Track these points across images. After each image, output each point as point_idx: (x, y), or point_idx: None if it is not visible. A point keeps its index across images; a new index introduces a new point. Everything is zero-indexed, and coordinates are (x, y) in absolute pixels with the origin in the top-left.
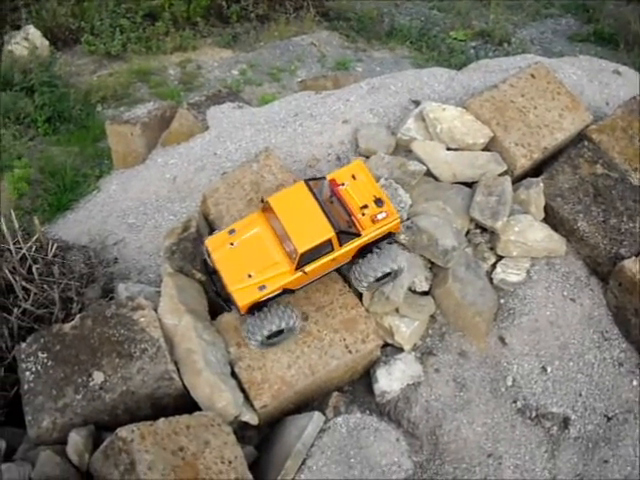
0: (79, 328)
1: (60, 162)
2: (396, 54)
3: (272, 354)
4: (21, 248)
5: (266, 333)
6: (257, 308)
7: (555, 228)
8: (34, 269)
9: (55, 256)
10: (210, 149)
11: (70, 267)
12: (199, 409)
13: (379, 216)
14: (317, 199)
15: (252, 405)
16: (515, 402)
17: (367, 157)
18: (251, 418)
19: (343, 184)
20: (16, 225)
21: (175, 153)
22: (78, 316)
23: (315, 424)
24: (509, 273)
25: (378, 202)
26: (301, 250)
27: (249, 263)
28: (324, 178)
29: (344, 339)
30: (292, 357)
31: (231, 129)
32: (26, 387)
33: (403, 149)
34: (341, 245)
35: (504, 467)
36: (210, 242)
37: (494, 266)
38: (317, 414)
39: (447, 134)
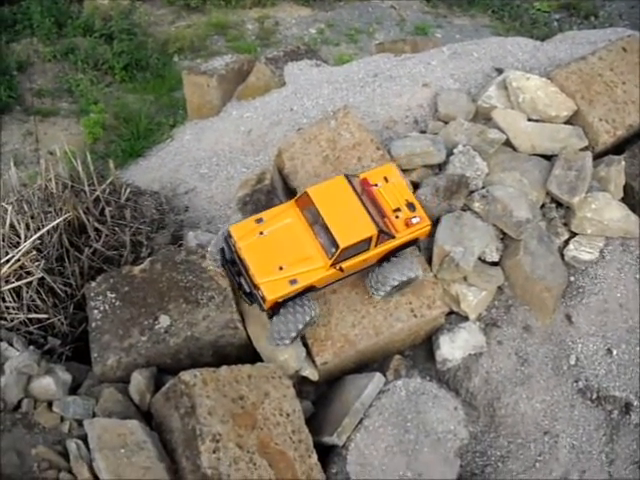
0: (148, 271)
1: (135, 109)
2: (477, 22)
3: (337, 312)
4: (95, 190)
5: (294, 335)
6: (278, 307)
7: (633, 209)
8: (107, 211)
9: (128, 200)
10: (286, 104)
11: (142, 212)
12: (260, 360)
13: (414, 220)
14: (358, 194)
15: (313, 361)
16: (577, 382)
17: (445, 122)
18: (311, 373)
19: (376, 185)
20: (91, 168)
21: (250, 107)
22: (148, 260)
23: (375, 385)
24: (582, 251)
25: (410, 206)
26: (343, 245)
27: (280, 255)
28: (357, 176)
29: (410, 303)
30: (357, 317)
31: (308, 86)
32: (93, 325)
33: (482, 117)
34: (377, 245)
35: (560, 446)
36: (235, 229)
37: (567, 242)
38: (378, 375)
39: (529, 104)
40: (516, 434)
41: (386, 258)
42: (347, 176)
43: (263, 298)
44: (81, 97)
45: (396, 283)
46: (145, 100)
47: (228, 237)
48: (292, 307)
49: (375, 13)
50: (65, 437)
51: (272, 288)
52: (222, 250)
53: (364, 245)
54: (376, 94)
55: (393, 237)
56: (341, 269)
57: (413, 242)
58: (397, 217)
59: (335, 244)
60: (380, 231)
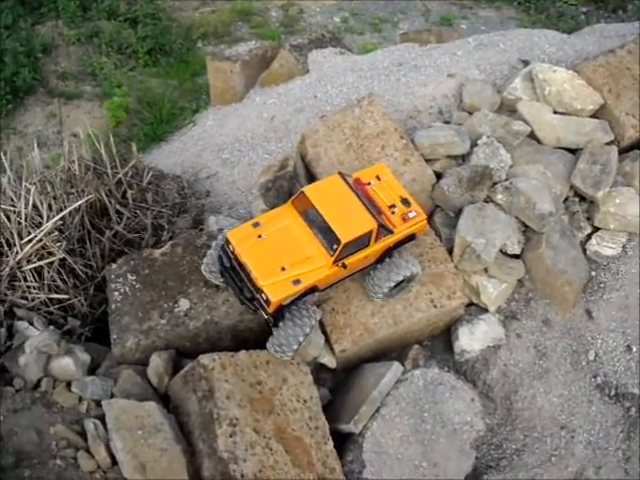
0: (169, 255)
1: (158, 94)
2: (502, 14)
3: (357, 300)
4: (118, 173)
5: (295, 347)
6: (281, 311)
7: None
8: (129, 194)
9: (150, 183)
10: (310, 92)
11: (163, 195)
12: None
13: (410, 214)
14: (354, 191)
15: (332, 348)
16: (595, 377)
17: (470, 113)
18: (329, 361)
19: (369, 183)
20: (114, 150)
21: (274, 93)
22: (169, 243)
23: (393, 374)
24: (604, 246)
25: (405, 202)
26: (345, 240)
27: (281, 256)
28: (350, 176)
29: (430, 293)
30: (377, 305)
31: (332, 74)
32: (113, 307)
33: (507, 108)
34: (376, 240)
35: (576, 441)
36: (232, 234)
37: (589, 237)
38: (396, 364)
39: (555, 97)
40: (532, 428)
41: (384, 257)
42: (342, 174)
43: (267, 301)
44: (104, 80)
45: (393, 284)
46: (168, 85)
47: (226, 244)
48: (293, 317)
49: (400, 3)
50: (83, 417)
51: (276, 289)
52: (220, 258)
53: (364, 240)
54: (401, 83)
55: (392, 232)
56: (344, 265)
57: (411, 238)
58: (393, 213)
59: (336, 240)
60: (380, 225)
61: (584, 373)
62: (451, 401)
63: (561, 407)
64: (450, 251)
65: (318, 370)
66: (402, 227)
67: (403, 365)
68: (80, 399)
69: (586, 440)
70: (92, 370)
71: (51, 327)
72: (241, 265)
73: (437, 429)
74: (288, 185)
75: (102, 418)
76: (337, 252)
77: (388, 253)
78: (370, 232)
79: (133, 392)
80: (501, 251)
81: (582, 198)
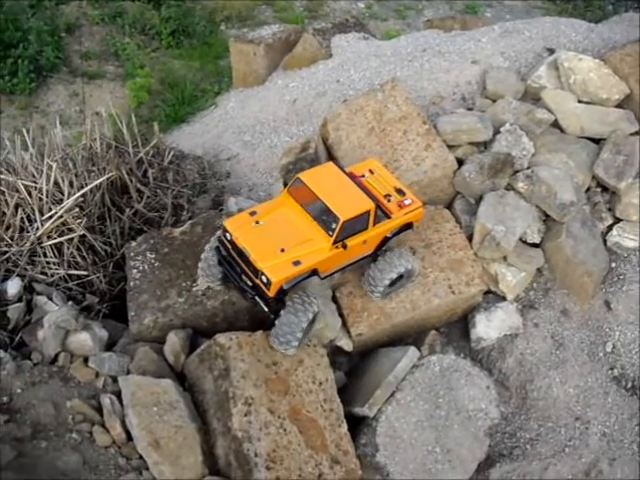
0: (188, 234)
1: (180, 75)
2: (528, 3)
3: None
4: (139, 152)
5: (299, 335)
6: (280, 304)
7: None
8: (149, 173)
9: (170, 163)
10: (333, 76)
11: (184, 175)
12: None
13: (406, 202)
14: (349, 176)
15: (348, 332)
16: (612, 369)
17: (493, 100)
18: (346, 344)
19: (363, 176)
20: (136, 130)
21: (296, 77)
22: (189, 222)
23: (409, 359)
24: (625, 237)
25: (400, 192)
26: (344, 218)
27: (280, 239)
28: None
29: (448, 279)
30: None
31: (355, 58)
32: (132, 284)
33: (531, 96)
34: (375, 224)
35: (591, 433)
36: (229, 223)
37: (610, 228)
38: (412, 349)
39: (580, 86)
40: (547, 418)
41: (382, 246)
42: (335, 162)
43: (268, 282)
44: (127, 61)
45: (388, 281)
46: (191, 67)
47: (223, 234)
48: (294, 303)
49: None
50: (99, 392)
51: (276, 270)
52: (217, 249)
53: (363, 222)
54: (424, 69)
55: (389, 217)
56: (344, 246)
57: (408, 226)
58: (389, 201)
59: (335, 219)
60: (377, 206)
61: (601, 364)
62: (466, 388)
63: (577, 398)
64: (470, 238)
65: (334, 353)
66: (399, 213)
67: (420, 350)
68: (97, 374)
69: (601, 432)
70: (109, 347)
71: (70, 303)
72: (240, 252)
73: (452, 415)
74: (309, 167)
75: (118, 394)
76: (337, 231)
77: (385, 245)
78: (368, 212)
79: (149, 369)
80: (521, 240)
81: (604, 188)
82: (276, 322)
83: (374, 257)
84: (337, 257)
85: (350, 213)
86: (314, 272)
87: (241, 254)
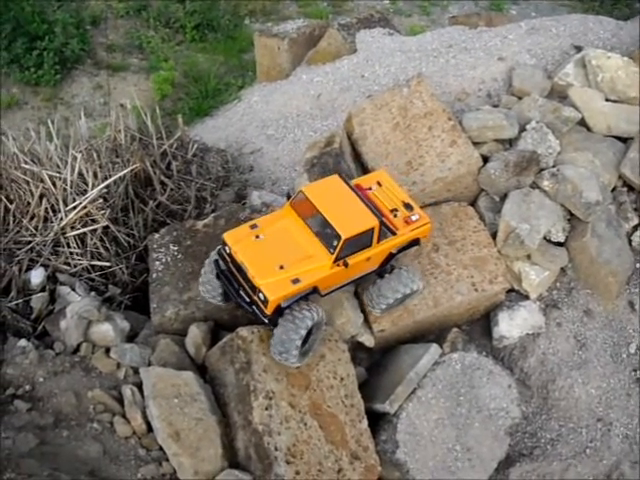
0: (211, 227)
1: (204, 69)
2: (554, 1)
3: None
4: (163, 144)
5: (298, 343)
6: (279, 316)
7: None
8: (173, 165)
9: (194, 156)
10: (357, 71)
11: (207, 168)
12: None
13: (413, 217)
14: (354, 190)
15: (370, 327)
16: (635, 371)
17: (519, 98)
18: (367, 340)
19: (370, 188)
20: (160, 122)
21: (321, 71)
22: (212, 215)
23: (431, 356)
24: None
25: (407, 206)
26: (345, 235)
27: (279, 255)
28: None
29: (472, 276)
30: None
31: (380, 54)
32: (154, 276)
33: (558, 94)
34: (379, 241)
35: (612, 434)
36: (229, 236)
37: (635, 228)
38: (434, 346)
39: (608, 84)
40: (568, 418)
41: (386, 263)
42: (341, 175)
43: (265, 300)
44: (151, 54)
45: (398, 297)
46: (215, 60)
47: (222, 247)
48: (292, 311)
49: None
50: (120, 383)
51: (274, 288)
52: (216, 262)
53: (366, 239)
54: (449, 65)
55: (394, 233)
56: (345, 264)
57: (414, 243)
58: (395, 216)
59: (337, 236)
60: (381, 223)
61: (624, 366)
62: (488, 386)
63: (599, 399)
64: (494, 236)
65: (355, 349)
66: (405, 230)
67: (441, 348)
68: (118, 365)
69: (623, 434)
70: (131, 338)
71: (92, 293)
72: (238, 267)
73: (472, 413)
74: (333, 162)
75: (139, 385)
76: (337, 249)
77: (391, 260)
78: (372, 229)
79: (170, 361)
80: (545, 238)
81: (631, 188)
82: (274, 332)
83: (379, 273)
84: (338, 275)
85: (352, 230)
86: (314, 290)
87: (240, 269)
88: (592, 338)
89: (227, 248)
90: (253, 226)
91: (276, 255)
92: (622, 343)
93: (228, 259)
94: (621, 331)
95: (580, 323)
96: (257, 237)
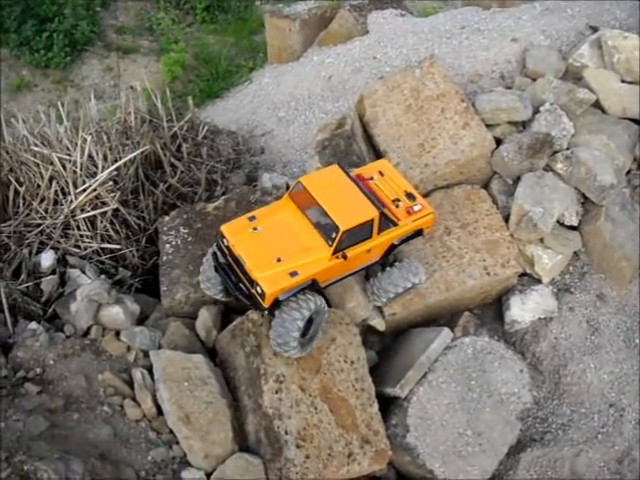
0: (222, 209)
1: (215, 51)
2: None
3: None
4: (173, 126)
5: (296, 334)
6: (278, 306)
7: None
8: (183, 148)
9: (205, 138)
10: (369, 52)
11: (218, 150)
12: (329, 306)
13: (415, 208)
14: (354, 181)
15: (381, 311)
16: None
17: (533, 79)
18: (379, 323)
19: (372, 178)
20: (170, 104)
21: (332, 53)
22: (222, 198)
23: (442, 340)
24: None
25: (410, 196)
26: (344, 227)
27: (277, 248)
28: (351, 170)
29: (484, 260)
30: (429, 270)
31: (392, 35)
32: (165, 259)
33: (572, 75)
34: (379, 233)
35: (625, 420)
36: (227, 228)
37: None
38: (446, 330)
39: (624, 65)
40: (580, 403)
41: (388, 254)
42: (341, 165)
43: (262, 293)
44: (162, 36)
45: (400, 290)
46: (225, 42)
47: (220, 239)
48: (287, 306)
49: None
50: (131, 366)
51: (271, 281)
52: (214, 254)
53: (366, 231)
54: (462, 46)
55: (396, 224)
56: (344, 256)
57: (417, 234)
58: (397, 207)
59: (335, 228)
60: (382, 214)
61: (637, 351)
62: (499, 371)
63: (611, 384)
64: (506, 219)
65: (366, 332)
66: (407, 220)
67: (453, 332)
68: (128, 348)
69: (635, 420)
70: (141, 321)
71: (102, 276)
72: (236, 259)
73: (484, 398)
74: (345, 144)
75: (149, 368)
76: (336, 241)
77: (393, 251)
78: (371, 221)
79: (181, 344)
80: (558, 222)
81: None
82: (272, 323)
83: (381, 265)
84: (338, 267)
85: (351, 222)
86: (313, 282)
87: (238, 261)
88: (605, 323)
89: (225, 240)
90: (251, 218)
91: (274, 247)
92: (635, 328)
93: (226, 252)
94: (634, 316)
95: (593, 308)
96: (255, 229)
